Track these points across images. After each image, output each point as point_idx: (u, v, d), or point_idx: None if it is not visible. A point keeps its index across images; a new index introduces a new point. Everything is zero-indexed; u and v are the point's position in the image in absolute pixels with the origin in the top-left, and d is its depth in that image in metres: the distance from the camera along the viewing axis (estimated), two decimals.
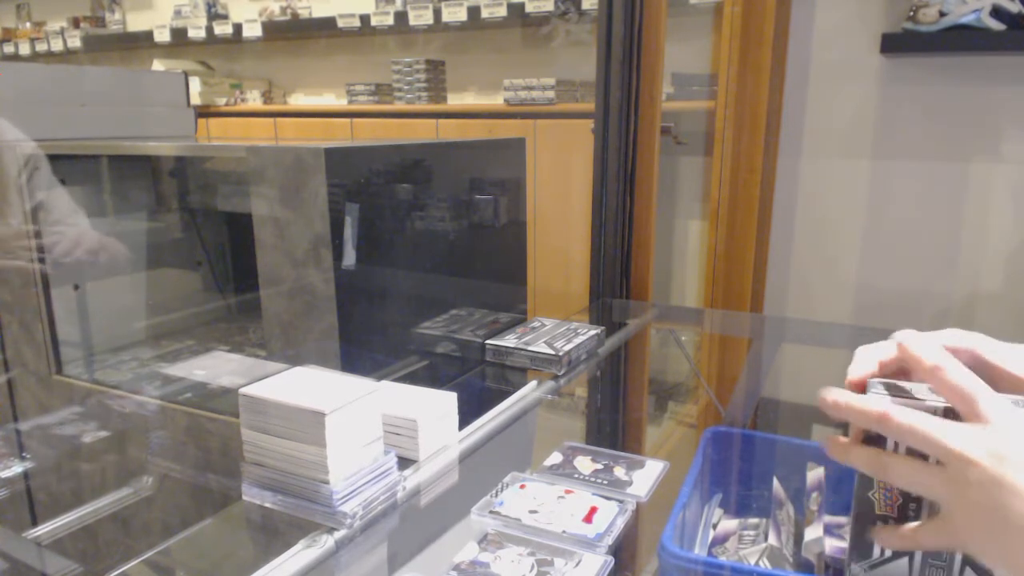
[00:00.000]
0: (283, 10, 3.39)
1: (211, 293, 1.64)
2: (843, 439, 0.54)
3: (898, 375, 0.54)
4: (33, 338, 1.36)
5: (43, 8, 4.55)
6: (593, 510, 0.80)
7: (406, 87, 2.99)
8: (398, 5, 2.98)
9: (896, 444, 0.51)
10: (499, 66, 2.98)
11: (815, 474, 0.89)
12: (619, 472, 0.90)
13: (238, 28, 3.39)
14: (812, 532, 0.83)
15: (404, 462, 0.83)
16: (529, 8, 2.63)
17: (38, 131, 1.39)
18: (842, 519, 0.89)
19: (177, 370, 1.34)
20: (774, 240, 2.06)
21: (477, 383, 1.19)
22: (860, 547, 0.57)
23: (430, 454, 0.87)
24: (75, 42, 4.04)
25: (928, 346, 0.50)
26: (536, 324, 1.32)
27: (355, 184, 1.00)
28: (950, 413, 0.50)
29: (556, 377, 1.16)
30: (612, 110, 1.62)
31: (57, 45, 4.11)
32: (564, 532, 0.76)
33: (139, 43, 3.81)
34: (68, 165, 1.38)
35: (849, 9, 1.89)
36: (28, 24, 4.52)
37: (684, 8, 2.30)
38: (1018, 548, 0.43)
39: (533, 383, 1.13)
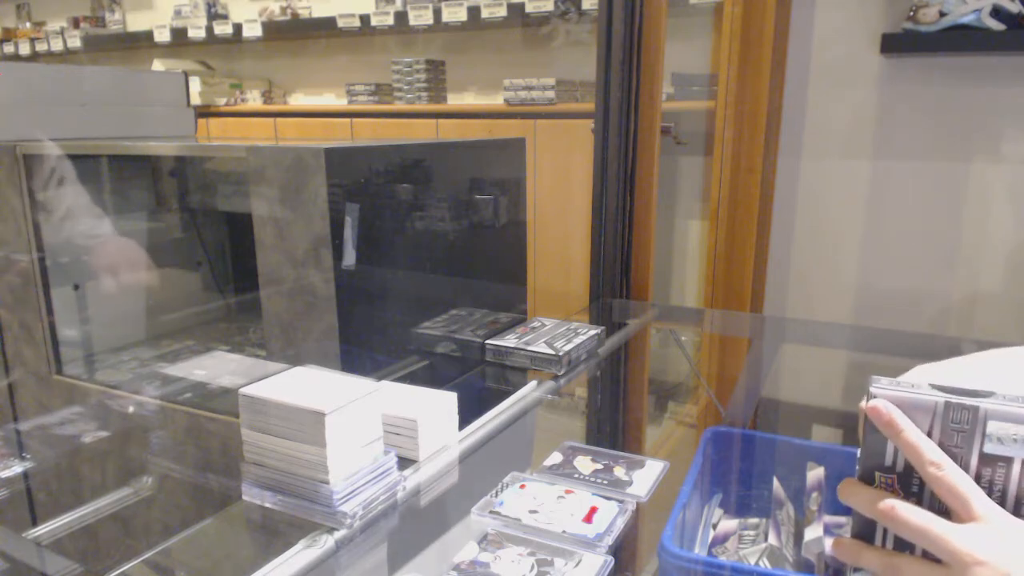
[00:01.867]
0: (283, 10, 3.39)
1: (211, 293, 1.64)
2: (850, 541, 0.56)
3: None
4: (33, 338, 1.36)
5: (43, 8, 4.55)
6: (593, 510, 0.80)
7: (406, 87, 2.99)
8: (398, 5, 2.98)
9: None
10: (499, 66, 2.98)
11: (815, 474, 0.89)
12: (619, 472, 0.90)
13: (238, 28, 3.39)
14: (812, 532, 0.83)
15: (404, 462, 0.83)
16: (529, 8, 2.63)
17: (38, 131, 1.39)
18: (842, 519, 0.89)
19: (177, 370, 1.34)
20: (774, 240, 2.06)
21: (477, 383, 1.19)
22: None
23: (430, 454, 0.87)
24: (75, 42, 4.04)
25: (922, 438, 0.51)
26: (536, 324, 1.32)
27: (355, 184, 1.00)
28: (953, 409, 0.51)
29: (556, 377, 1.16)
30: (612, 110, 1.62)
31: (57, 45, 4.11)
32: (564, 532, 0.76)
33: (139, 43, 3.81)
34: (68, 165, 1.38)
35: (849, 9, 1.89)
36: (28, 24, 4.52)
37: (684, 8, 2.30)
38: None
39: (533, 383, 1.13)
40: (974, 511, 0.49)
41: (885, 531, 0.53)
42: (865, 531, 0.54)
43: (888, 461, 0.52)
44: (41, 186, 1.32)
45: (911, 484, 0.53)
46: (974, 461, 0.51)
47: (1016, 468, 0.50)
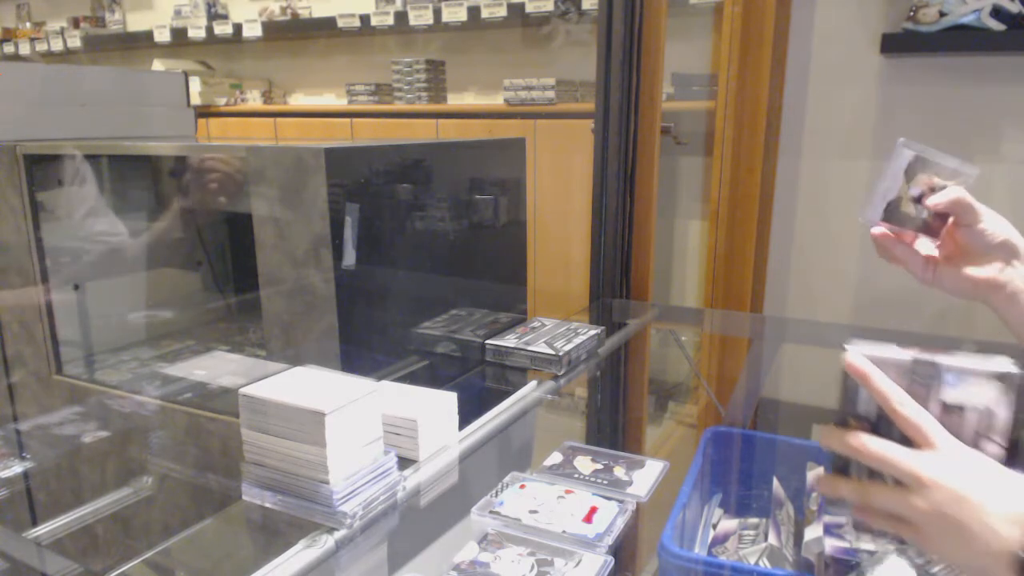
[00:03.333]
0: (283, 10, 3.39)
1: (211, 293, 1.64)
2: (829, 476, 0.64)
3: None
4: (33, 338, 1.36)
5: (43, 8, 4.55)
6: (593, 510, 0.80)
7: (406, 87, 2.99)
8: (398, 5, 2.98)
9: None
10: (499, 66, 2.98)
11: (815, 474, 0.89)
12: (619, 472, 0.90)
13: (238, 28, 3.39)
14: (812, 532, 0.83)
15: (404, 462, 0.83)
16: (529, 8, 2.63)
17: (38, 131, 1.39)
18: (842, 519, 0.89)
19: (177, 370, 1.34)
20: (774, 240, 2.06)
21: (477, 383, 1.19)
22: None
23: (430, 454, 0.87)
24: (75, 42, 4.04)
25: (888, 383, 0.59)
26: (536, 324, 1.32)
27: (355, 184, 1.00)
28: (918, 364, 0.59)
29: (556, 377, 1.16)
30: (612, 110, 1.62)
31: (57, 45, 4.12)
32: (564, 532, 0.76)
33: (139, 43, 3.81)
34: (68, 165, 1.38)
35: (849, 9, 1.89)
36: (28, 24, 4.52)
37: (684, 8, 2.30)
38: (975, 553, 0.53)
39: (533, 383, 1.13)
40: (931, 440, 0.57)
41: (859, 468, 0.62)
42: (841, 468, 0.63)
43: (860, 409, 0.61)
44: (41, 186, 1.32)
45: (879, 428, 0.60)
46: (935, 409, 0.59)
47: (969, 415, 0.59)
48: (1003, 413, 0.58)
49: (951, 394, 0.59)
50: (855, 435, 0.59)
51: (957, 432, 0.58)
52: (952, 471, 0.55)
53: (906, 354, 0.60)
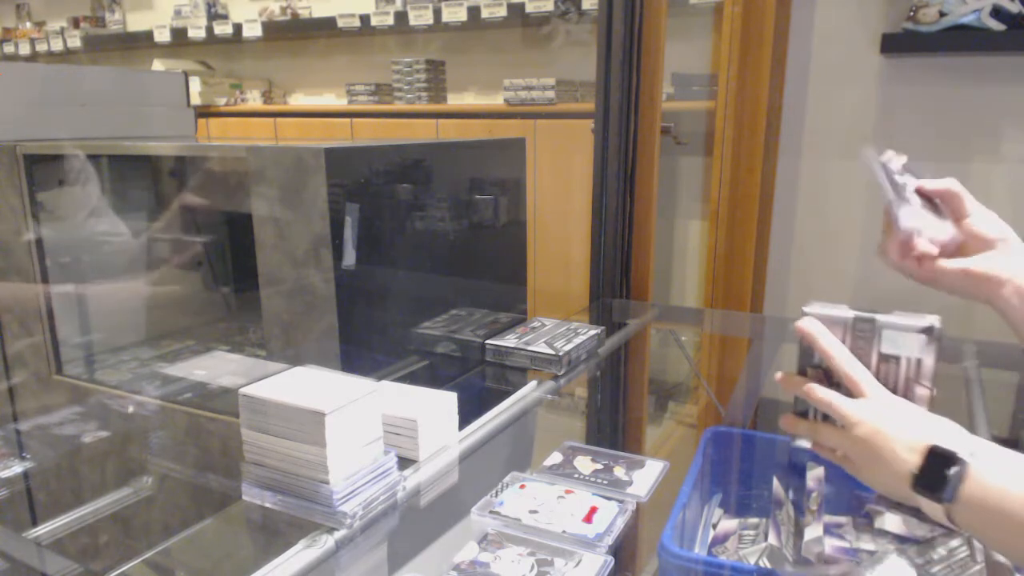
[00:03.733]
0: (283, 10, 3.39)
1: (211, 293, 1.64)
2: (790, 416, 0.75)
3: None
4: (33, 338, 1.36)
5: (43, 8, 4.55)
6: (593, 510, 0.80)
7: (406, 87, 2.99)
8: (398, 5, 2.98)
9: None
10: (499, 66, 2.98)
11: (815, 474, 0.89)
12: (619, 472, 0.90)
13: (238, 28, 3.39)
14: (812, 532, 0.83)
15: (404, 462, 0.83)
16: (529, 8, 2.63)
17: (38, 131, 1.39)
18: (842, 519, 0.89)
19: (177, 370, 1.34)
20: (774, 240, 2.06)
21: (477, 383, 1.19)
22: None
23: (430, 454, 0.87)
24: (75, 42, 4.04)
25: (834, 343, 0.71)
26: (536, 324, 1.32)
27: (355, 184, 1.00)
28: (859, 321, 0.71)
29: (556, 377, 1.16)
30: (612, 110, 1.62)
31: (57, 45, 4.11)
32: (564, 532, 0.76)
33: (139, 43, 3.81)
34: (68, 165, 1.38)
35: (849, 9, 1.89)
36: (28, 24, 4.52)
37: (684, 8, 2.30)
38: (887, 477, 0.65)
39: (533, 383, 1.13)
40: (863, 390, 0.68)
41: (816, 412, 0.73)
42: (802, 412, 0.75)
43: (815, 360, 0.73)
44: (41, 186, 1.32)
45: (830, 377, 0.73)
46: (874, 359, 0.71)
47: (903, 364, 0.70)
48: (928, 360, 0.69)
49: (887, 346, 0.71)
50: (807, 383, 0.72)
51: (894, 377, 0.71)
52: (875, 412, 0.67)
53: (850, 313, 0.72)
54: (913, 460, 0.62)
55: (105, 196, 1.45)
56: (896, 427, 0.65)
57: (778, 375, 0.77)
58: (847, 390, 0.70)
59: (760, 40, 1.78)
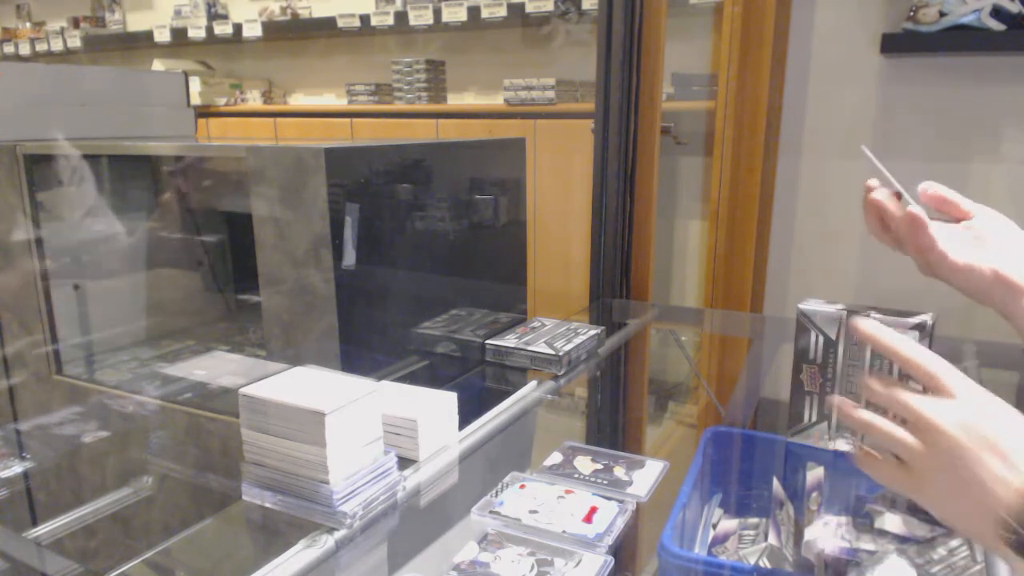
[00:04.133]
0: (283, 10, 3.39)
1: (211, 293, 1.64)
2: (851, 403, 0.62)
3: None
4: (33, 338, 1.36)
5: (43, 8, 4.55)
6: (593, 510, 0.80)
7: (406, 87, 2.99)
8: (398, 5, 2.98)
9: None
10: (499, 66, 2.98)
11: (815, 474, 0.89)
12: (619, 472, 0.90)
13: (238, 28, 3.39)
14: (812, 532, 0.83)
15: (404, 462, 0.83)
16: (529, 8, 2.63)
17: (38, 131, 1.39)
18: (842, 519, 0.89)
19: (177, 370, 1.34)
20: (774, 240, 2.06)
21: (477, 383, 1.19)
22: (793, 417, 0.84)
23: (430, 454, 0.87)
24: (75, 42, 4.04)
25: (886, 329, 0.58)
26: (536, 324, 1.32)
27: (355, 184, 1.00)
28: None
29: (556, 377, 1.16)
30: (612, 110, 1.62)
31: (57, 45, 4.11)
32: (564, 532, 0.76)
33: (139, 43, 3.81)
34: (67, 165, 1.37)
35: (849, 9, 1.89)
36: (28, 24, 4.52)
37: (684, 8, 2.30)
38: (971, 510, 0.49)
39: (533, 383, 1.13)
40: (945, 386, 0.54)
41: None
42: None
43: (811, 356, 0.77)
44: (41, 186, 1.32)
45: (825, 370, 0.77)
46: (867, 356, 0.74)
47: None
48: None
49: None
50: (888, 385, 0.56)
51: (886, 372, 0.70)
52: (967, 420, 0.50)
53: (843, 310, 0.75)
54: (1015, 502, 0.46)
55: (105, 196, 1.45)
56: (998, 440, 0.48)
57: (837, 399, 0.61)
58: (843, 386, 0.67)
59: (760, 40, 1.78)
